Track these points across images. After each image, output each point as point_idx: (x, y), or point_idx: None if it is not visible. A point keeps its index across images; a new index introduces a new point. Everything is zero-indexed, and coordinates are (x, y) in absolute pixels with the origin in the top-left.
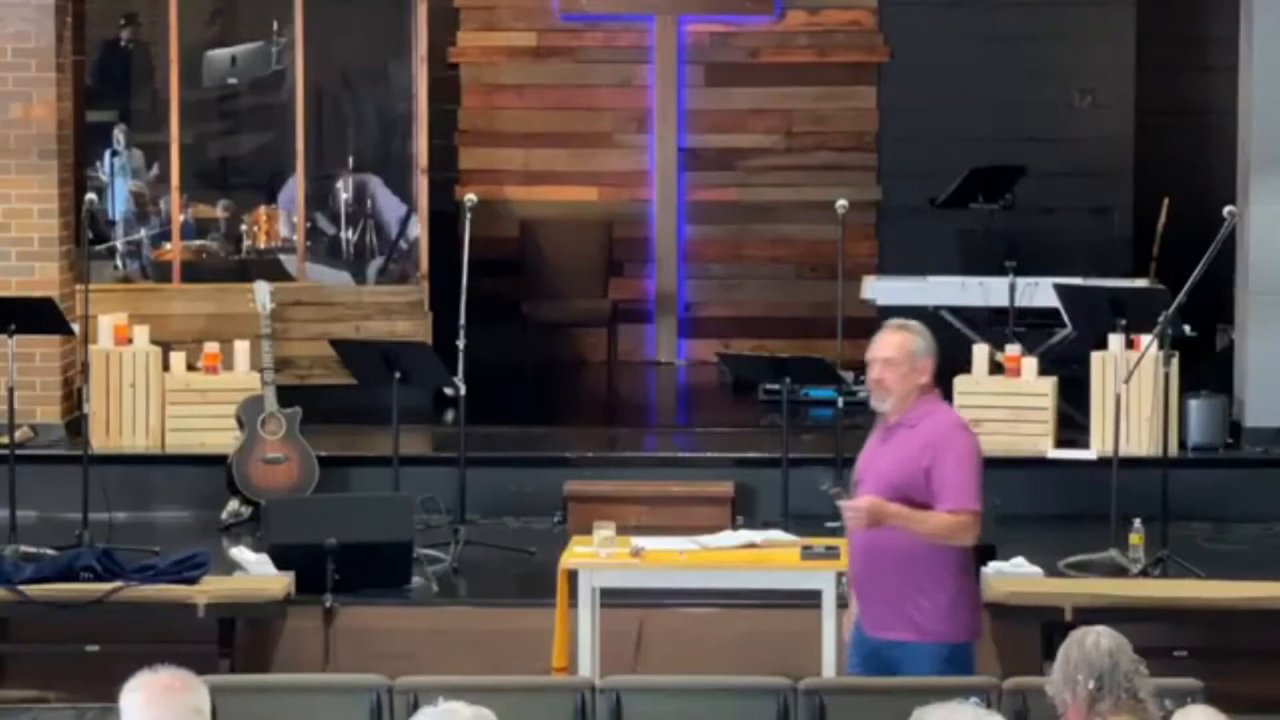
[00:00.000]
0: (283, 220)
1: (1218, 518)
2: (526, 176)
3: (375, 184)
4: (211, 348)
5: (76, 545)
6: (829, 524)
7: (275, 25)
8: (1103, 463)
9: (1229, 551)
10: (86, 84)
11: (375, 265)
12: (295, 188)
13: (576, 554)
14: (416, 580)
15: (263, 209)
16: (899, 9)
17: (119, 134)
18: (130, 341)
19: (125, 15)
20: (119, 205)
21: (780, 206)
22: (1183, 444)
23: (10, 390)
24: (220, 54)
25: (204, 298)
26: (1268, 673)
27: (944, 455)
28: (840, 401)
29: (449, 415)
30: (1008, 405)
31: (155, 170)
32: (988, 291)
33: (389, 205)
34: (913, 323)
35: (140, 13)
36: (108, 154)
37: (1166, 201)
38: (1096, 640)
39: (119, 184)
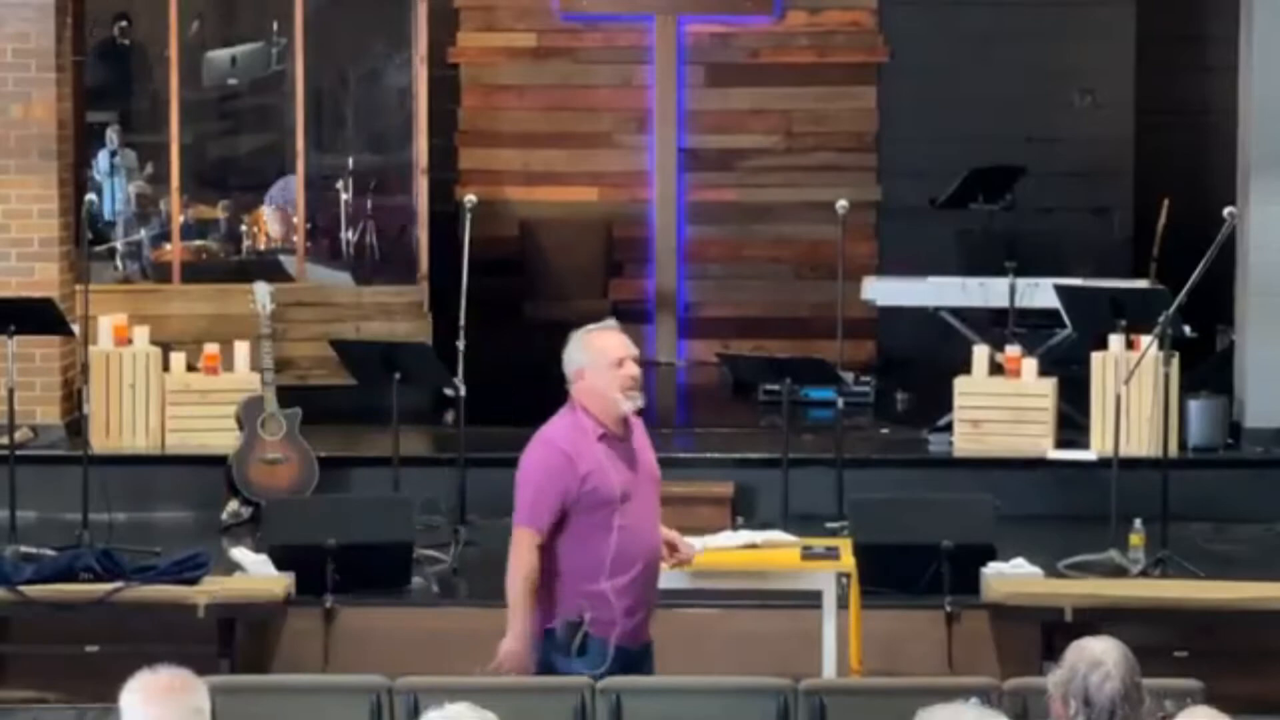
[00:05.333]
0: (270, 216)
1: (1218, 518)
2: (526, 177)
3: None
4: (211, 348)
5: (76, 545)
6: (829, 524)
7: (275, 25)
8: (1103, 463)
9: (1229, 551)
10: (86, 84)
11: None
12: (285, 185)
13: None
14: (416, 581)
15: (263, 209)
16: (899, 9)
17: (112, 134)
18: (130, 342)
19: (124, 15)
20: (113, 205)
21: (780, 207)
22: (1183, 444)
23: (10, 390)
24: (220, 54)
25: (204, 298)
26: (1268, 673)
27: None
28: (840, 402)
29: (449, 415)
30: (1008, 406)
31: (150, 169)
32: (988, 292)
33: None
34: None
35: (139, 13)
36: (102, 154)
37: (1166, 202)
38: (1103, 681)
39: (113, 184)
